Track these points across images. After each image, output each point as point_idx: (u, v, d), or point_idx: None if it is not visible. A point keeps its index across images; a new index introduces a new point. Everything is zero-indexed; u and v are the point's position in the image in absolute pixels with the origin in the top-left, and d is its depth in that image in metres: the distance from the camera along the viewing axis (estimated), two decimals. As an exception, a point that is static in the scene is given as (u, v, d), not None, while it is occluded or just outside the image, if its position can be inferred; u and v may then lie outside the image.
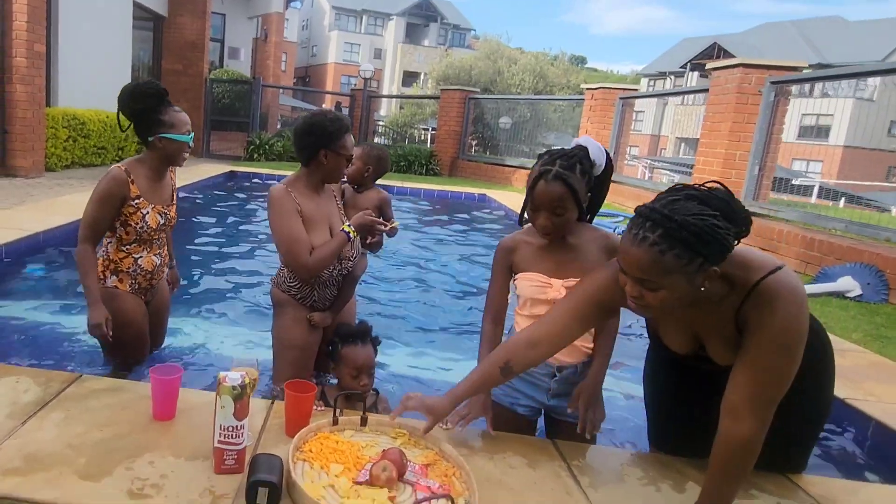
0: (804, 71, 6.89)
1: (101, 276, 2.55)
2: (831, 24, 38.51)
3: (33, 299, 3.64)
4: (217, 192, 9.01)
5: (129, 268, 2.58)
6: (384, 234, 3.06)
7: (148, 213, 2.55)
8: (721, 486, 1.61)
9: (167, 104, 2.52)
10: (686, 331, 1.76)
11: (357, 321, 2.54)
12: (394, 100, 29.78)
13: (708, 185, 1.52)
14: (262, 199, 8.67)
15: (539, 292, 2.00)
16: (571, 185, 1.84)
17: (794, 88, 6.94)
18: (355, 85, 22.47)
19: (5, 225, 4.62)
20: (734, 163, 7.01)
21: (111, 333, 2.45)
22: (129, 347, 2.63)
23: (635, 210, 1.51)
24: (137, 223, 2.52)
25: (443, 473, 1.73)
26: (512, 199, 9.77)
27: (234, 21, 20.16)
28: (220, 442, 1.66)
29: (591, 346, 2.05)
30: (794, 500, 1.85)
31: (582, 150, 1.92)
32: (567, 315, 1.78)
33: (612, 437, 2.58)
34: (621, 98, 10.33)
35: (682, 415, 2.02)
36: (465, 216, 8.86)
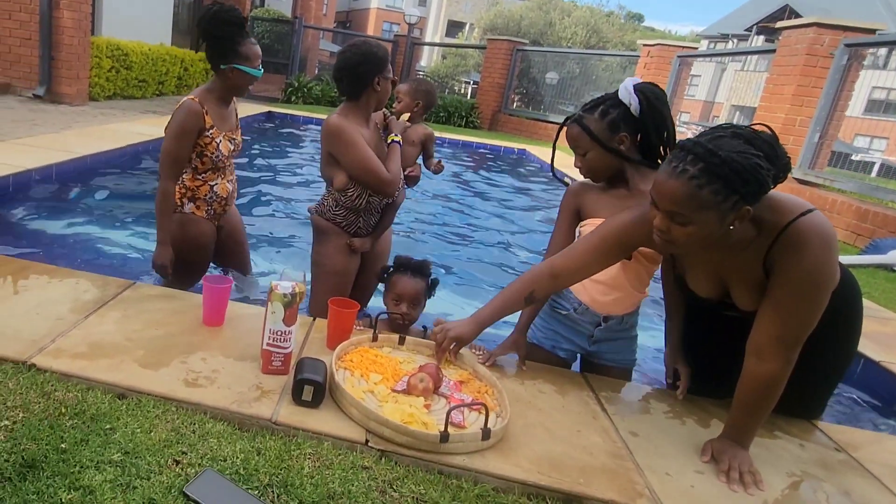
0: (882, 34, 6.64)
1: (179, 203, 2.65)
2: (917, -11, 36.39)
3: (83, 216, 3.87)
4: (256, 131, 9.19)
5: (205, 195, 2.69)
6: (428, 169, 3.17)
7: (220, 141, 2.64)
8: (744, 422, 1.71)
9: (245, 35, 2.60)
10: (712, 277, 1.82)
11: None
12: (436, 50, 29.44)
13: (756, 126, 1.57)
14: (299, 139, 8.83)
15: None
16: (585, 126, 1.96)
17: (868, 59, 6.71)
18: (398, 31, 22.38)
19: (55, 147, 4.86)
20: (794, 128, 6.87)
21: (183, 258, 2.63)
22: (197, 271, 2.78)
23: (678, 143, 1.57)
24: (213, 152, 2.62)
25: (476, 390, 1.87)
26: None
27: (277, -42, 20.08)
28: (268, 344, 1.81)
29: (637, 295, 2.12)
30: (816, 443, 1.94)
31: (612, 95, 2.00)
32: (589, 251, 1.88)
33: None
34: (679, 56, 10.10)
35: (704, 361, 2.10)
36: (503, 169, 8.88)
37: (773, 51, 7.45)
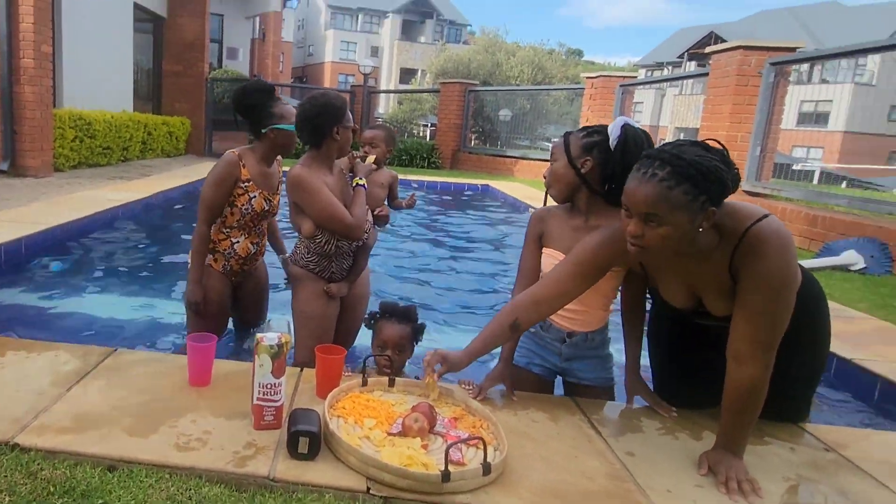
0: (802, 51, 6.96)
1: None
2: (828, 9, 38.44)
3: (57, 288, 3.73)
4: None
5: (224, 249, 2.73)
6: (395, 208, 3.16)
7: (255, 196, 2.68)
8: (734, 428, 1.71)
9: (275, 99, 2.70)
10: (684, 286, 1.85)
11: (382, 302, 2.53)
12: (391, 97, 29.79)
13: (707, 141, 1.62)
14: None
15: None
16: (567, 138, 2.06)
17: (793, 76, 7.01)
18: (353, 82, 22.55)
19: (22, 220, 4.70)
20: (736, 144, 7.08)
21: (200, 308, 2.67)
22: (210, 322, 2.75)
23: (643, 153, 1.61)
24: (243, 205, 2.66)
25: (471, 426, 1.82)
26: (514, 188, 9.83)
27: (231, 21, 20.21)
28: (259, 399, 1.74)
29: (599, 313, 2.12)
30: (806, 445, 1.94)
31: (604, 126, 2.03)
32: (568, 276, 1.90)
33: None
34: (621, 86, 10.39)
35: (685, 370, 2.12)
36: (469, 206, 8.93)
37: (707, 74, 7.73)
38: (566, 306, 2.04)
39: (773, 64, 6.71)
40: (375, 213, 2.91)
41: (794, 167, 11.05)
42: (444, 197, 9.66)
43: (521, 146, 13.65)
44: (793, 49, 6.87)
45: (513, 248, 6.23)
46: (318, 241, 2.45)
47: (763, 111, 6.83)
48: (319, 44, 54.13)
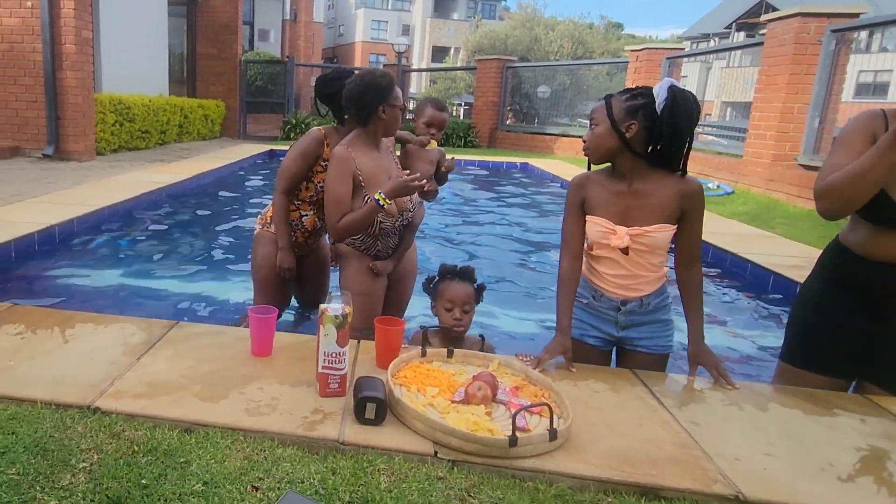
0: (866, 17, 6.72)
1: (268, 221, 2.85)
2: (889, -28, 36.76)
3: (111, 265, 3.90)
4: (262, 171, 9.28)
5: (293, 220, 2.84)
6: (442, 183, 3.17)
7: None
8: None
9: None
10: None
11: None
12: (424, 76, 29.72)
13: None
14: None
15: (603, 237, 2.09)
16: (609, 100, 2.03)
17: (853, 43, 6.78)
18: (385, 61, 22.51)
19: (72, 202, 4.91)
20: (792, 116, 6.91)
21: (263, 273, 2.83)
22: (271, 291, 2.87)
23: None
24: (320, 182, 2.75)
25: (532, 395, 1.87)
26: (555, 166, 9.79)
27: (262, 3, 20.44)
28: (324, 367, 1.82)
29: (649, 276, 2.11)
30: (877, 416, 1.92)
31: (649, 88, 2.01)
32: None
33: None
34: (668, 58, 10.20)
35: (826, 327, 2.05)
36: (509, 184, 8.93)
37: (761, 44, 7.53)
38: (615, 273, 2.11)
39: (833, 31, 6.51)
40: (424, 187, 2.93)
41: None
42: (483, 175, 9.67)
43: (560, 123, 13.54)
44: (855, 15, 6.64)
45: (551, 220, 6.25)
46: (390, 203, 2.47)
47: (822, 81, 6.64)
48: (350, 23, 54.24)
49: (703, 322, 2.08)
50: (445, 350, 2.09)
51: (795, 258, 4.04)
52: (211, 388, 1.84)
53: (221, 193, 6.99)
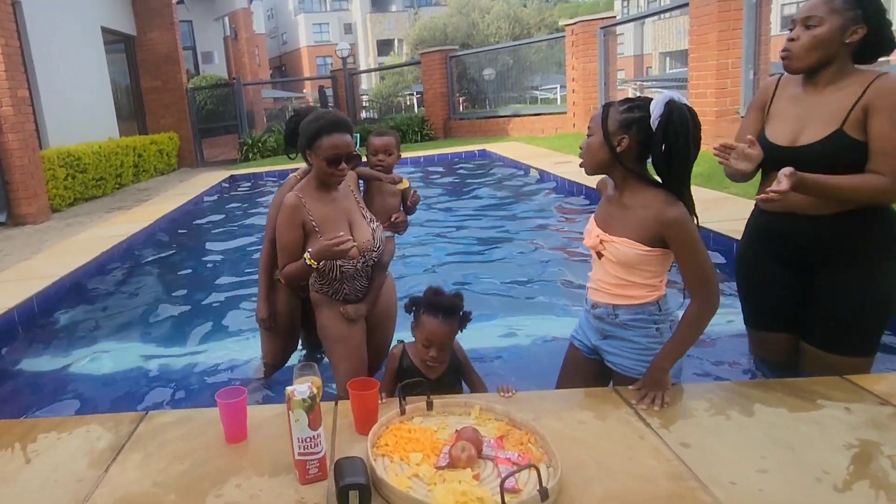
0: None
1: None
2: None
3: (77, 346, 3.66)
4: (224, 197, 8.98)
5: None
6: (410, 214, 3.02)
7: None
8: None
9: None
10: (792, 122, 2.03)
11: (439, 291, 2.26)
12: (373, 73, 29.25)
13: None
14: (264, 194, 8.60)
15: (586, 234, 2.08)
16: (606, 110, 1.93)
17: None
18: (332, 66, 21.98)
19: (30, 276, 4.64)
20: (728, 71, 6.87)
21: (273, 323, 2.75)
22: (280, 338, 2.79)
23: None
24: None
25: (518, 442, 1.76)
26: (513, 149, 9.66)
27: (202, 25, 19.81)
28: (300, 454, 1.68)
29: (626, 289, 1.99)
30: (860, 402, 1.86)
31: (648, 100, 1.88)
32: None
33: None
34: (602, 28, 10.08)
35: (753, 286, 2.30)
36: (469, 175, 8.78)
37: (687, 4, 7.43)
38: (593, 274, 2.08)
39: (753, -17, 6.45)
40: (392, 219, 2.78)
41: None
42: (442, 169, 9.49)
43: (512, 104, 13.40)
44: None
45: (517, 214, 6.12)
46: (318, 265, 2.29)
47: (750, 34, 6.60)
48: (292, 30, 53.15)
49: (677, 351, 1.90)
50: (425, 403, 1.96)
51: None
52: (186, 494, 1.69)
53: (184, 236, 6.66)
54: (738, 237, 3.74)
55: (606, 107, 1.93)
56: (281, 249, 2.34)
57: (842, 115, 1.92)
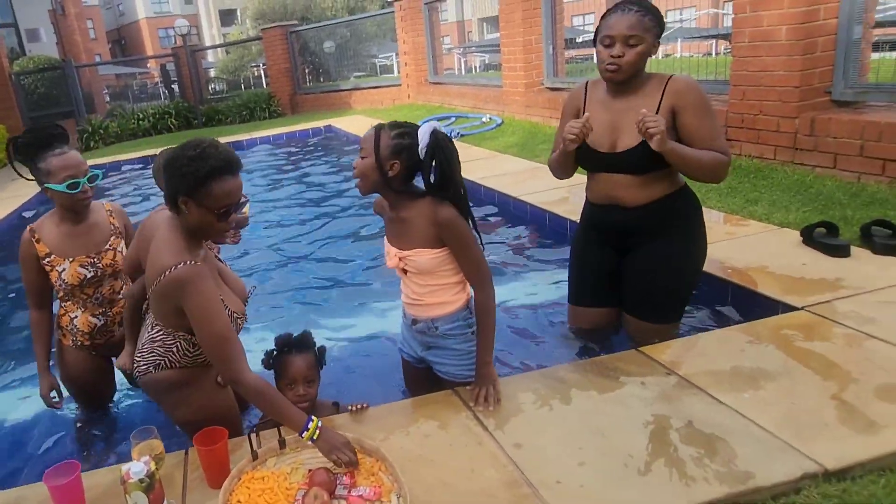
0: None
1: (59, 325, 2.24)
2: None
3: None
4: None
5: (66, 325, 2.21)
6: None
7: (65, 269, 2.10)
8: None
9: (47, 148, 2.01)
10: (609, 128, 2.07)
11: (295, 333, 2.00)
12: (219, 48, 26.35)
13: None
14: (119, 184, 7.34)
15: (386, 256, 1.94)
16: (378, 132, 1.78)
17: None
18: (175, 42, 19.22)
19: None
20: (532, 47, 6.92)
21: (60, 398, 2.19)
22: (80, 399, 2.35)
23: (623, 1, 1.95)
24: (56, 280, 2.12)
25: (369, 472, 1.60)
26: (356, 123, 9.19)
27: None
28: (143, 539, 1.40)
29: (435, 301, 1.90)
30: (653, 374, 1.92)
31: (415, 128, 1.77)
32: None
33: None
34: (426, 4, 9.71)
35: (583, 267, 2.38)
36: (318, 152, 8.22)
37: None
38: (405, 292, 1.96)
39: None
40: (228, 242, 2.39)
41: (578, 39, 11.10)
42: (291, 149, 8.73)
43: (354, 76, 12.71)
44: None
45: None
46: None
47: (548, 14, 6.66)
48: (128, 1, 46.07)
49: (488, 340, 1.85)
50: (277, 441, 1.73)
51: (560, 189, 4.01)
52: None
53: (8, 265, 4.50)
54: (552, 209, 3.83)
55: (378, 129, 1.78)
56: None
57: None
